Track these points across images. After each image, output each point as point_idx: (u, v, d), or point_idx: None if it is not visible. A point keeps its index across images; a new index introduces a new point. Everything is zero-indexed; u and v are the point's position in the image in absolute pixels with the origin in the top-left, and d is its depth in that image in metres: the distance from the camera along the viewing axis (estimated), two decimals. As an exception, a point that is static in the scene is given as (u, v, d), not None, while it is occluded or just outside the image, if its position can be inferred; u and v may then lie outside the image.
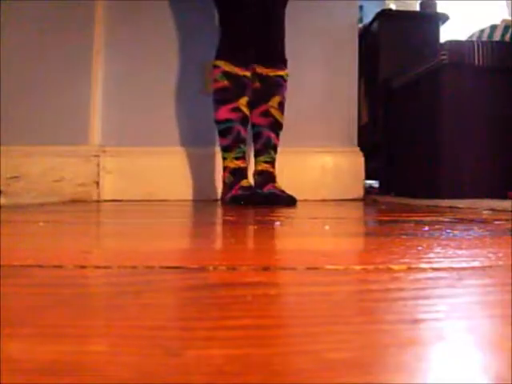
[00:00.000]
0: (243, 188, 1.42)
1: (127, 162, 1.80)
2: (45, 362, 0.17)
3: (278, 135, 1.51)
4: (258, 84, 1.49)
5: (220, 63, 1.44)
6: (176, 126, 1.84)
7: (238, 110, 1.44)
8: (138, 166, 1.80)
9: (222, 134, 1.47)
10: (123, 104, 1.84)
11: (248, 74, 1.46)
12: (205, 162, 1.80)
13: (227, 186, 1.47)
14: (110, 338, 0.20)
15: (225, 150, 1.48)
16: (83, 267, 0.36)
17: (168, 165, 1.80)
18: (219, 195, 1.79)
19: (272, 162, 1.50)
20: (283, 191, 1.43)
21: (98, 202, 1.71)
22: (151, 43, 1.84)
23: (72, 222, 0.89)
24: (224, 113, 1.45)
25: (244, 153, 1.48)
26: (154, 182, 1.79)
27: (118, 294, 0.28)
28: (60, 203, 1.52)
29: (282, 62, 1.50)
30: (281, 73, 1.50)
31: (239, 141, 1.46)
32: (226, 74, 1.43)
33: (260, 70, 1.48)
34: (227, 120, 1.45)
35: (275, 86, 1.49)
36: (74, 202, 1.64)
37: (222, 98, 1.45)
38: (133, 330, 0.21)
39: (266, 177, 1.48)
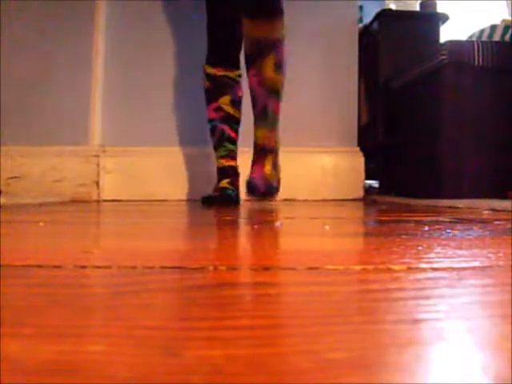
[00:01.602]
0: (217, 189, 1.45)
1: (127, 162, 1.80)
2: (45, 362, 0.17)
3: (276, 99, 1.37)
4: (248, 45, 1.36)
5: (204, 66, 1.52)
6: (176, 126, 1.84)
7: (219, 109, 1.49)
8: (138, 166, 1.80)
9: (211, 133, 1.54)
10: (123, 104, 1.84)
11: (230, 74, 1.49)
12: (204, 162, 1.80)
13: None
14: (110, 337, 0.20)
15: (214, 148, 1.54)
16: (83, 267, 0.36)
17: (168, 165, 1.80)
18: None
19: (270, 130, 1.36)
20: (267, 179, 1.33)
21: (97, 201, 1.71)
22: (151, 44, 1.84)
23: (72, 222, 0.89)
24: (209, 112, 1.52)
25: (230, 151, 1.50)
26: (153, 182, 1.79)
27: (117, 293, 0.28)
28: (60, 203, 1.52)
29: (275, 15, 1.34)
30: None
31: (224, 139, 1.49)
32: (207, 76, 1.51)
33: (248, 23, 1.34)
34: (212, 119, 1.51)
35: (267, 47, 1.34)
36: (74, 201, 1.64)
37: (206, 98, 1.53)
38: (133, 330, 0.21)
39: (262, 150, 1.36)
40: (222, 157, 1.50)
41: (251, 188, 1.33)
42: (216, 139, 1.51)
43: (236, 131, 1.51)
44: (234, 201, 1.43)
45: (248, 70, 1.37)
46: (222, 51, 1.49)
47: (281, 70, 1.36)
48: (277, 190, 1.37)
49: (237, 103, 1.50)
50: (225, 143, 1.49)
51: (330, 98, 1.86)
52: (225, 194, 1.41)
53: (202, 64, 1.53)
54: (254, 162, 1.38)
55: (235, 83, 1.50)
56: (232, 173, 1.49)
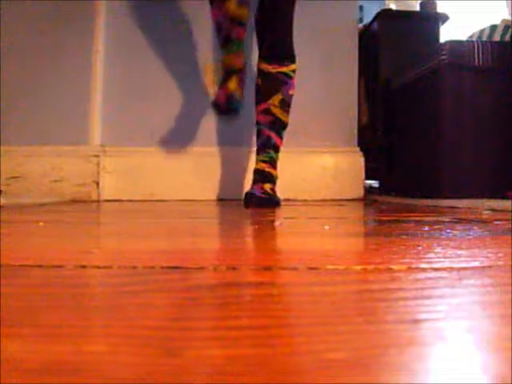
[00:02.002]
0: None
1: (127, 162, 1.80)
2: (45, 362, 0.17)
3: (279, 134, 1.47)
4: (260, 80, 1.46)
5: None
6: (176, 126, 1.84)
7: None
8: (137, 166, 1.80)
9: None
10: (123, 104, 1.84)
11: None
12: (204, 162, 1.80)
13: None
14: (110, 337, 0.20)
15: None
16: (83, 267, 0.36)
17: (168, 165, 1.80)
18: (218, 195, 1.80)
19: (270, 162, 1.45)
20: (267, 193, 1.39)
21: (97, 201, 1.71)
22: (151, 44, 1.84)
23: (72, 222, 0.89)
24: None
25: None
26: (154, 182, 1.79)
27: (117, 293, 0.28)
28: (60, 203, 1.52)
29: (286, 58, 1.44)
30: (284, 69, 1.44)
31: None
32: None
33: (263, 66, 1.45)
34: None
35: (277, 83, 1.44)
36: (74, 201, 1.64)
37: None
38: (133, 329, 0.21)
39: (261, 176, 1.43)
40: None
41: (250, 196, 1.36)
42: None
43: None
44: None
45: (257, 104, 1.46)
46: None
47: (287, 107, 1.45)
48: (277, 203, 1.38)
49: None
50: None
51: (330, 98, 1.86)
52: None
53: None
54: (253, 183, 1.43)
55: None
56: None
